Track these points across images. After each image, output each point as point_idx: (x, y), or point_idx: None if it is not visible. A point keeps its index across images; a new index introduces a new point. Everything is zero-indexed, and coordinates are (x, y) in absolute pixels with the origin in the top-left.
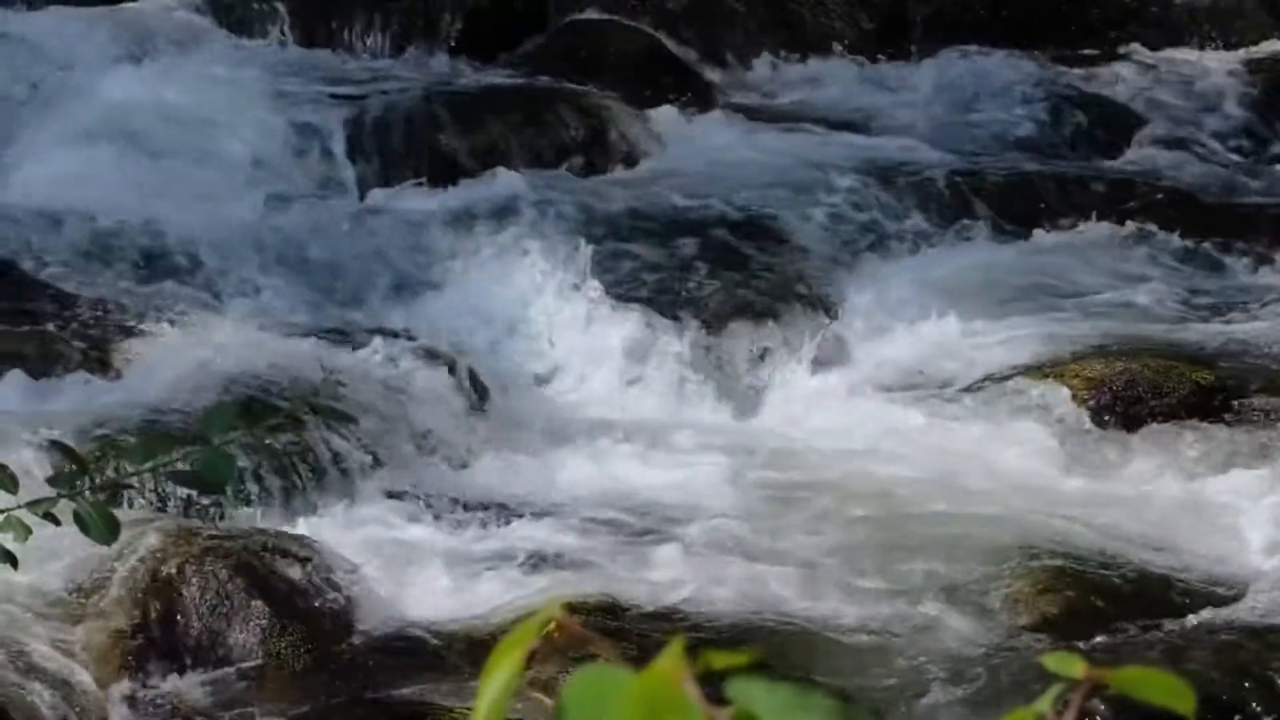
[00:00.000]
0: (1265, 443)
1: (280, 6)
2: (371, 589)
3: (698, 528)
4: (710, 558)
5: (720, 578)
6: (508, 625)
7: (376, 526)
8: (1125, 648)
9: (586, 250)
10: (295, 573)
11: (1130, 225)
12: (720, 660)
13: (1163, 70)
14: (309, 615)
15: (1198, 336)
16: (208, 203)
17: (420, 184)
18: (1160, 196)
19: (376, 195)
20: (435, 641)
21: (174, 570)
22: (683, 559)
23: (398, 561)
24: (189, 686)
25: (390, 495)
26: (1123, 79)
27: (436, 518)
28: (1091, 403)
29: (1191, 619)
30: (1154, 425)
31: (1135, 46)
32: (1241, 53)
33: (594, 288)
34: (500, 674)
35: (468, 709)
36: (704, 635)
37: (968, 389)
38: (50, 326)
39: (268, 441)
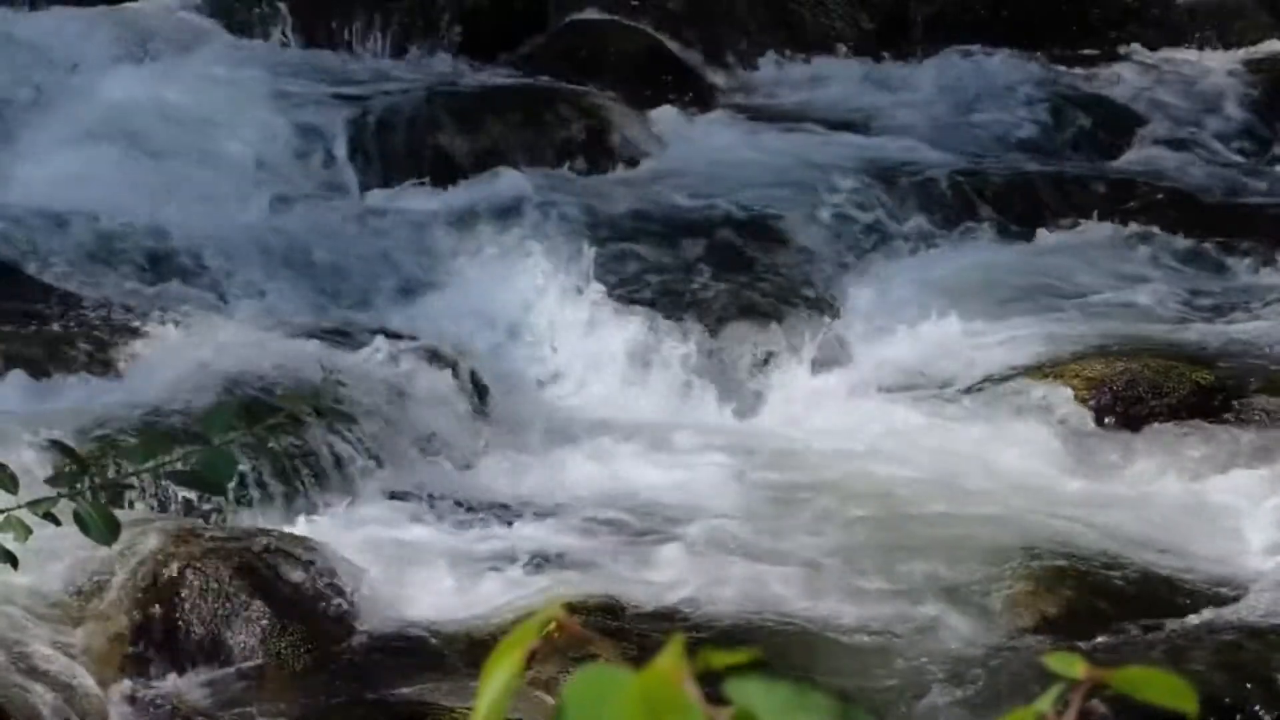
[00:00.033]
0: (1266, 443)
1: (281, 7)
2: (372, 589)
3: (699, 528)
4: (711, 558)
5: (721, 578)
6: (508, 625)
7: (378, 527)
8: (1126, 648)
9: (589, 251)
10: (296, 574)
11: (1131, 225)
12: (720, 659)
13: (1163, 70)
14: (310, 616)
15: (1199, 337)
16: (209, 203)
17: (421, 184)
18: (1161, 197)
19: (377, 195)
20: (436, 641)
21: (175, 571)
22: (684, 559)
23: (399, 562)
24: (190, 687)
25: (392, 496)
26: (1123, 79)
27: (438, 518)
28: (1092, 403)
29: (1193, 619)
30: (1155, 425)
31: (1136, 47)
32: (1242, 53)
33: (596, 289)
34: (500, 674)
35: (468, 709)
36: (705, 635)
37: (969, 389)
38: (51, 326)
39: (270, 444)
